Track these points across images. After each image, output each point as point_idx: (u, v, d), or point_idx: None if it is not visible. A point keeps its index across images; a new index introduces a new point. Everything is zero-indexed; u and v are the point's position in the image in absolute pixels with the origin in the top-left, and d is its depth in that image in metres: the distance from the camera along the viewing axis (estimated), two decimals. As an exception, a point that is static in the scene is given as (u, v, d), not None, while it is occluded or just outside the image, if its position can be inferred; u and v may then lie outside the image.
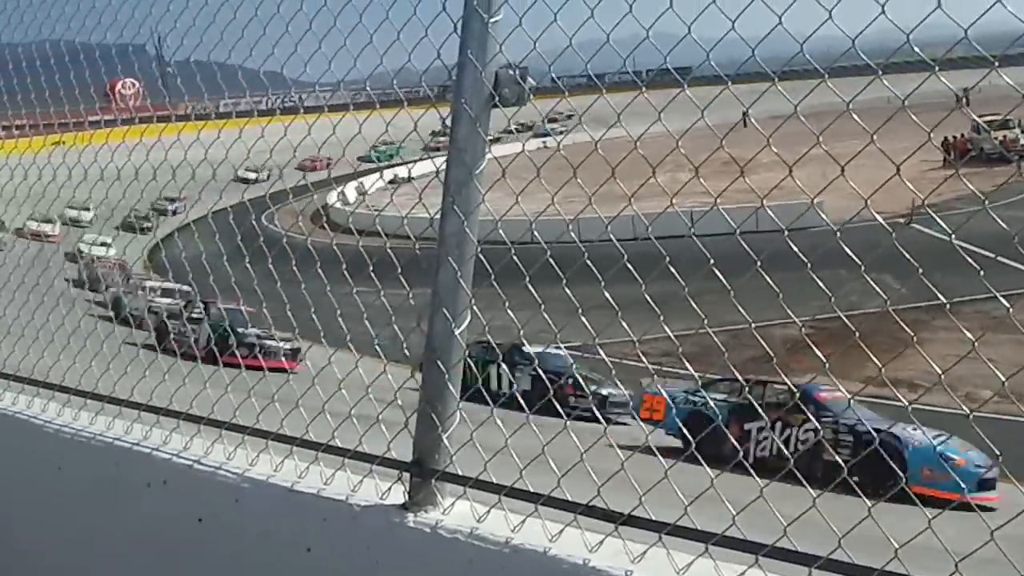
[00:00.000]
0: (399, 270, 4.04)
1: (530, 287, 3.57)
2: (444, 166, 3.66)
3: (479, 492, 3.52)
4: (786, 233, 3.07)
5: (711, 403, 16.98)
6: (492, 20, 3.58)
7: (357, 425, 3.99)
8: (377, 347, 4.00)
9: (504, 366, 5.03)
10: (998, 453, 2.97)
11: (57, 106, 6.51)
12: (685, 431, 3.59)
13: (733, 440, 3.68)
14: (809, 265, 3.09)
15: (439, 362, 3.61)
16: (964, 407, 2.97)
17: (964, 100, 2.81)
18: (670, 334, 3.53)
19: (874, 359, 3.13)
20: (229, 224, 5.20)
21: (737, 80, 3.14)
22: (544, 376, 3.96)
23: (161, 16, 5.31)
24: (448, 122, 3.69)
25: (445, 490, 3.62)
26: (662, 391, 21.17)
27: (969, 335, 2.89)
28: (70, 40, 6.29)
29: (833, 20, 2.85)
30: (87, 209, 7.84)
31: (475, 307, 3.66)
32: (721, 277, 3.26)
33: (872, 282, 3.22)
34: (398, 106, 4.16)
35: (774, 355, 3.53)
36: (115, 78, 6.46)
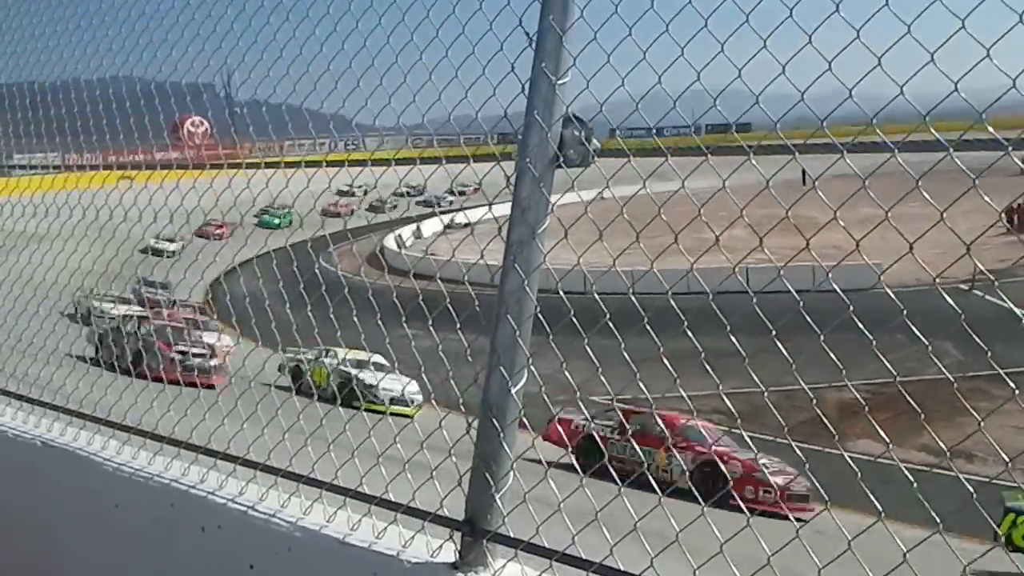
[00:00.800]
0: (457, 319, 4.06)
1: (588, 348, 3.56)
2: (506, 217, 3.67)
3: (531, 556, 3.48)
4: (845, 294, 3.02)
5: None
6: (560, 82, 3.60)
7: (411, 479, 3.98)
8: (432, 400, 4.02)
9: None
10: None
11: (127, 143, 6.64)
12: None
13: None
14: (865, 329, 3.02)
15: (495, 420, 3.59)
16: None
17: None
18: (722, 394, 3.46)
19: (926, 426, 3.07)
20: (287, 262, 5.27)
21: (796, 135, 3.11)
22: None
23: (229, 52, 5.40)
24: (512, 180, 3.69)
25: (496, 551, 3.59)
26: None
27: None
28: (141, 76, 6.43)
29: (904, 94, 2.82)
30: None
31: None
32: (776, 341, 3.21)
33: (931, 348, 3.15)
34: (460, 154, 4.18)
35: (826, 419, 3.45)
36: (184, 116, 6.58)
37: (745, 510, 3.36)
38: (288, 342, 5.08)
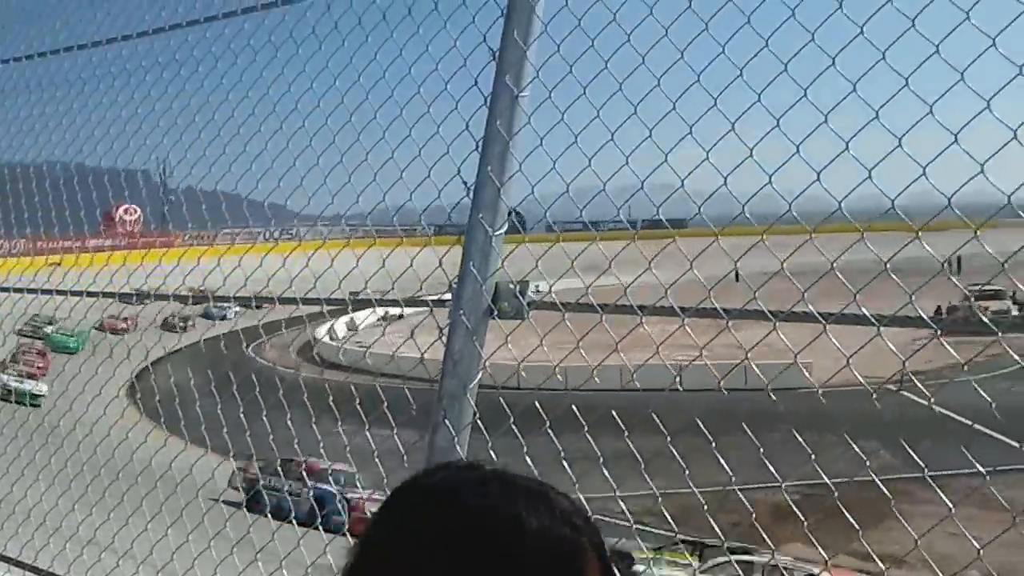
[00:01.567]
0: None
1: (514, 427, 3.53)
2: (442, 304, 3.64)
3: None
4: (771, 391, 3.03)
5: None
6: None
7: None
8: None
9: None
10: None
11: (60, 228, 6.56)
12: None
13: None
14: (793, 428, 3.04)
15: None
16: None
17: (952, 267, 2.80)
18: (655, 490, 3.44)
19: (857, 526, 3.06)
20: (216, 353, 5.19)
21: (730, 234, 3.15)
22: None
23: (172, 146, 5.38)
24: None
25: None
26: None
27: (950, 505, 2.82)
28: (78, 162, 6.38)
29: (821, 182, 2.88)
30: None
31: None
32: (708, 435, 3.21)
33: (860, 450, 3.17)
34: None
35: (757, 521, 3.44)
36: (118, 203, 6.52)
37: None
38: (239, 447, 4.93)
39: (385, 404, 4.07)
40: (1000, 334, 2.70)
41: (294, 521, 4.41)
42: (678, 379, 3.27)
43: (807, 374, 3.23)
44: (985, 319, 2.74)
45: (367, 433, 4.10)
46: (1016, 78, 2.56)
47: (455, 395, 3.53)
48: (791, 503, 3.64)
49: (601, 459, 3.36)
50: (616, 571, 1.37)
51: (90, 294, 5.20)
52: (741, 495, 3.28)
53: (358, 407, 4.22)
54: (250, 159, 4.80)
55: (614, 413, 3.42)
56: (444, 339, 3.63)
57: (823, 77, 2.95)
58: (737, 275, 3.02)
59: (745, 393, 2.90)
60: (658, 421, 3.33)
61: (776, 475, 3.21)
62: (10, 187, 6.99)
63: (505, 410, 3.67)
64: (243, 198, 5.19)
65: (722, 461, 3.15)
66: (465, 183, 3.68)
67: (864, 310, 2.74)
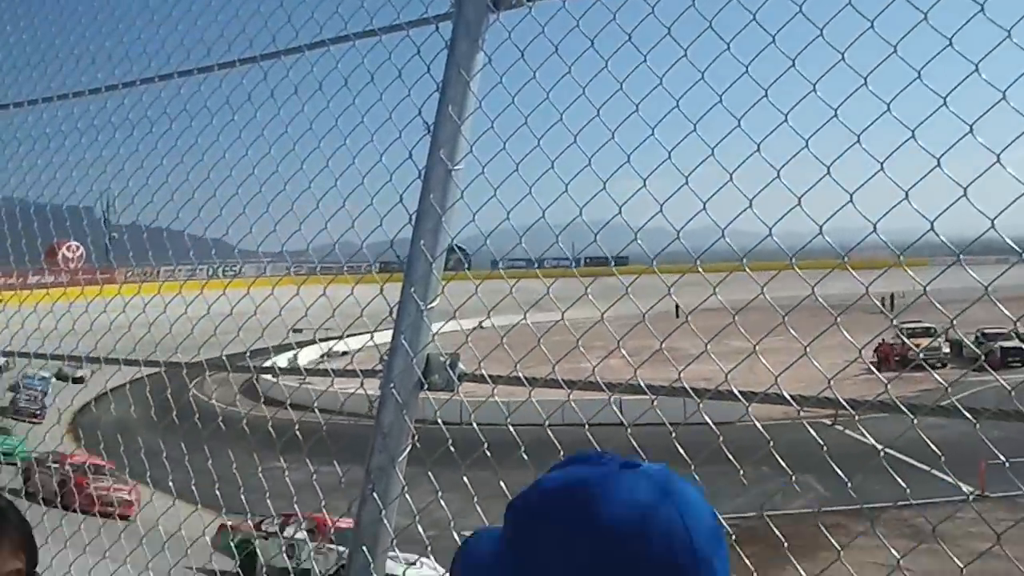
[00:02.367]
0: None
1: (465, 480, 3.56)
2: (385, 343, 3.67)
3: None
4: (715, 426, 3.10)
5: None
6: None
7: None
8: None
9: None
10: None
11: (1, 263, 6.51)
12: None
13: None
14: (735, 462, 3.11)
15: (365, 549, 3.54)
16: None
17: (888, 304, 2.90)
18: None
19: (795, 563, 3.14)
20: (155, 390, 5.17)
21: (671, 270, 3.24)
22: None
23: (113, 177, 5.39)
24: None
25: None
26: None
27: (894, 550, 2.90)
28: (21, 198, 6.34)
29: (760, 218, 2.98)
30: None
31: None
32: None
33: (794, 481, 3.25)
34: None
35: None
36: (60, 240, 6.48)
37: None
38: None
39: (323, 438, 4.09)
40: (915, 420, 2.80)
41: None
42: (619, 413, 3.34)
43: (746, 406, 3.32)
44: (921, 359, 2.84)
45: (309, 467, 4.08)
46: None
47: (383, 468, 3.57)
48: (730, 533, 3.71)
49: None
50: None
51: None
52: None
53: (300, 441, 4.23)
54: (192, 188, 4.83)
55: (558, 443, 3.47)
56: (373, 411, 3.64)
57: (757, 106, 3.05)
58: (677, 310, 3.10)
59: (683, 428, 2.97)
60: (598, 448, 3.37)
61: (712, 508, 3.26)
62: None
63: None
64: (187, 236, 5.21)
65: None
66: (398, 256, 3.74)
67: (784, 388, 2.84)
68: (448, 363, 3.60)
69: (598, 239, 3.44)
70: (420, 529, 3.76)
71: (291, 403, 4.61)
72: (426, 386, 3.59)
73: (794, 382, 2.97)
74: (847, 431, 3.38)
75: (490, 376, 3.58)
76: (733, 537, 3.62)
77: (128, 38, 5.50)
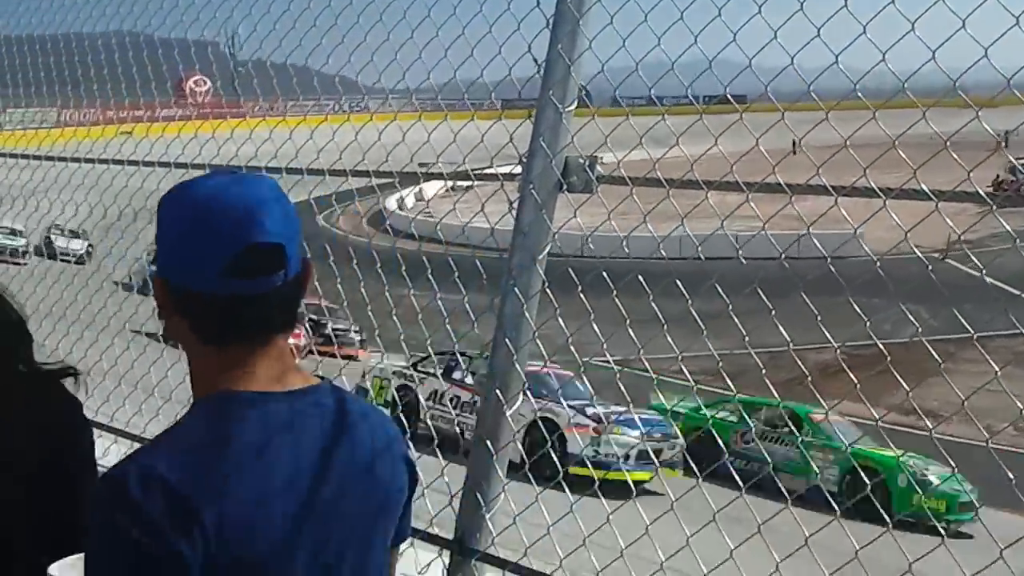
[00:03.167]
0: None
1: (582, 296, 3.69)
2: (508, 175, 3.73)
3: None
4: (829, 261, 3.21)
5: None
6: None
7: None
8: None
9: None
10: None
11: (130, 97, 6.70)
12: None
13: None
14: (848, 292, 3.21)
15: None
16: (984, 434, 3.10)
17: (1003, 142, 2.94)
18: (714, 352, 3.59)
19: (904, 384, 3.28)
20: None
21: (791, 109, 3.29)
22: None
23: (242, 18, 5.51)
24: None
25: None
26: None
27: (995, 366, 3.02)
28: (147, 33, 6.49)
29: (886, 62, 3.02)
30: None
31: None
32: (764, 298, 3.39)
33: (906, 312, 3.36)
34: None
35: (809, 376, 3.65)
36: (188, 73, 6.64)
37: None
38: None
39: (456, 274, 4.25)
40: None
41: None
42: (737, 247, 3.45)
43: (863, 244, 3.41)
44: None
45: (438, 301, 4.24)
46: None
47: (524, 266, 3.67)
48: (841, 362, 3.86)
49: (665, 325, 3.55)
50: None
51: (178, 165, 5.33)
52: (794, 355, 3.48)
53: (430, 276, 4.37)
54: (320, 33, 4.92)
55: (678, 281, 3.58)
56: (513, 212, 3.76)
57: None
58: (795, 148, 3.16)
59: (801, 262, 3.07)
60: (718, 288, 3.50)
61: (829, 336, 3.38)
62: (78, 58, 7.17)
63: (573, 279, 3.82)
64: (313, 72, 5.34)
65: (777, 324, 3.33)
66: (536, 60, 3.80)
67: (923, 185, 2.91)
68: (587, 164, 3.65)
69: (721, 81, 3.47)
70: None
71: (416, 233, 4.75)
72: (565, 187, 3.65)
73: (908, 218, 3.05)
74: (959, 264, 3.46)
75: (628, 178, 3.64)
76: (845, 365, 3.78)
77: None
